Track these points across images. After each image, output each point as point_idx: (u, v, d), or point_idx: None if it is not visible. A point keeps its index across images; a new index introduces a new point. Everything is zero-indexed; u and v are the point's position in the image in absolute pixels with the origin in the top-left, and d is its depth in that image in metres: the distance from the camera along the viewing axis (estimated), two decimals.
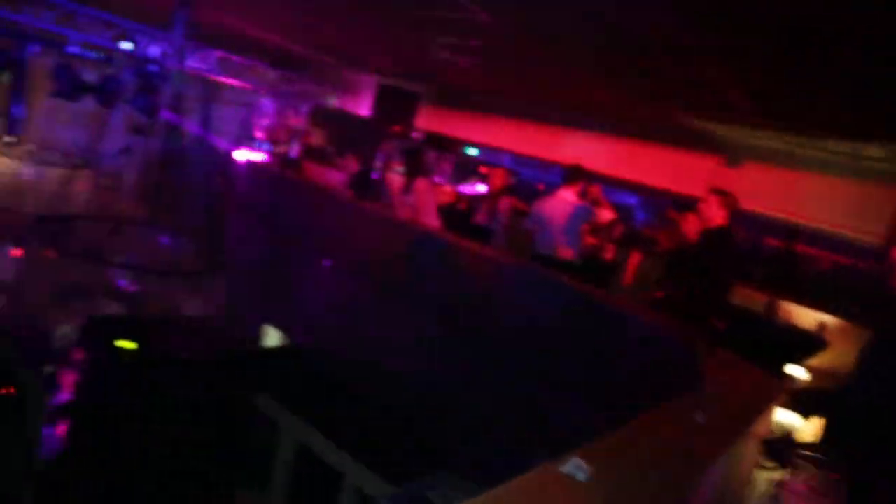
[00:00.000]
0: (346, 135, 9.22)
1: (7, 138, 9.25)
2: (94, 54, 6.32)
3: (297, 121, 8.70)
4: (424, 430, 4.30)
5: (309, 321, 6.04)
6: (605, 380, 3.40)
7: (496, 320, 4.24)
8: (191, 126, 9.04)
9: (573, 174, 5.09)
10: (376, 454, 3.31)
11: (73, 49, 6.04)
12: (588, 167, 5.38)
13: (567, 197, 5.00)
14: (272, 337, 6.38)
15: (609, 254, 5.79)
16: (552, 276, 4.34)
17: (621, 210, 7.24)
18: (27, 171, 9.05)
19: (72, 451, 3.04)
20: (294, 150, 8.42)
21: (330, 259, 5.84)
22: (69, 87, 6.15)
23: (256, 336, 6.09)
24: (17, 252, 9.03)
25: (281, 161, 8.08)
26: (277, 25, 6.81)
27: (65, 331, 6.84)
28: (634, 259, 6.33)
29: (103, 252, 6.25)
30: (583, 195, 5.13)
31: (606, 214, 5.56)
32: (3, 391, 2.54)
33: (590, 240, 5.25)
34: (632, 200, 9.09)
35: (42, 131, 10.05)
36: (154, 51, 6.79)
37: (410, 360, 4.57)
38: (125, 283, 6.63)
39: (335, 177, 8.03)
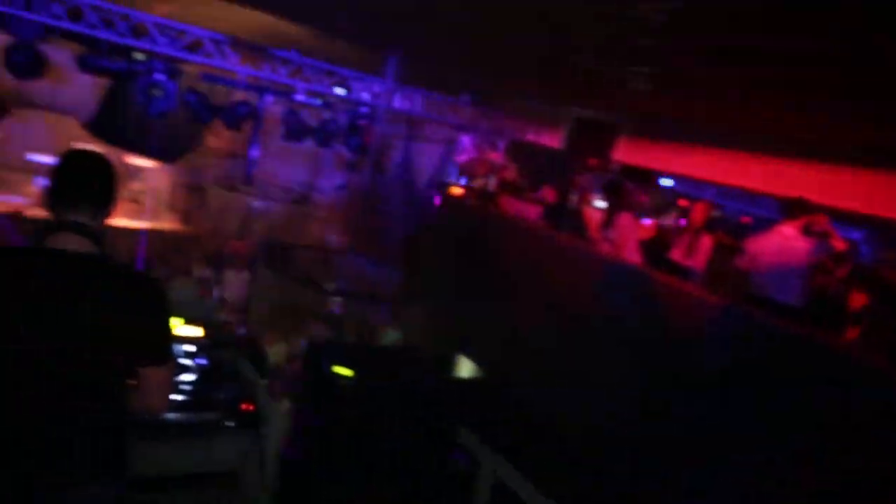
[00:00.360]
0: (541, 168, 9.26)
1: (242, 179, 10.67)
2: (315, 101, 7.02)
3: (495, 155, 8.93)
4: (622, 470, 4.08)
5: (502, 352, 6.07)
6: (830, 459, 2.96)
7: (698, 363, 3.93)
8: (394, 162, 9.67)
9: (795, 208, 4.61)
10: (574, 493, 3.18)
11: (299, 97, 6.75)
12: (808, 198, 4.86)
13: (788, 233, 4.54)
14: (466, 367, 6.51)
15: (842, 295, 5.12)
16: (771, 319, 3.93)
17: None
18: (257, 205, 10.31)
19: (295, 469, 3.31)
20: (491, 183, 8.63)
21: (525, 291, 5.85)
22: (296, 130, 6.90)
23: (452, 366, 6.25)
24: (244, 276, 10.28)
25: (478, 195, 8.33)
26: (478, 67, 7.10)
27: (279, 349, 7.58)
28: (857, 300, 5.55)
29: (316, 277, 6.86)
30: (806, 230, 4.62)
31: (839, 245, 4.92)
32: (245, 407, 2.80)
33: (820, 279, 4.70)
34: (856, 235, 8.05)
35: (270, 171, 11.39)
36: (365, 95, 7.37)
37: (606, 398, 4.38)
38: (334, 306, 7.21)
39: (530, 210, 8.08)
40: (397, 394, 3.30)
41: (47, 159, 12.92)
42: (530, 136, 9.66)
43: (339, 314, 7.55)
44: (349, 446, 3.18)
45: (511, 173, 9.17)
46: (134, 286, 1.92)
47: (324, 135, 7.09)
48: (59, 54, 6.07)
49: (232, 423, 2.75)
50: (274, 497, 2.81)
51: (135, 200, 14.49)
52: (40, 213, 11.12)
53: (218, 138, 12.83)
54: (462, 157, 8.63)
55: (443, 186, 9.40)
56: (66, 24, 5.78)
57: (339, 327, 7.59)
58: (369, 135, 7.49)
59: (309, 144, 7.61)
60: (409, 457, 3.15)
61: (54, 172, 1.93)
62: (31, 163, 12.73)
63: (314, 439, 3.39)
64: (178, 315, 3.40)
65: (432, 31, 5.59)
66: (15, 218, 10.56)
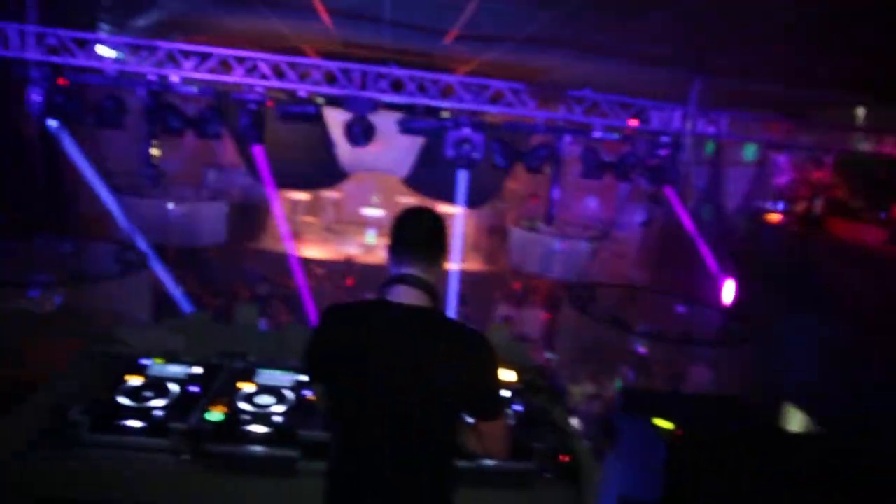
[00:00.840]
0: (881, 184, 7.77)
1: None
2: (612, 135, 6.87)
3: (820, 174, 7.75)
4: None
5: (840, 403, 5.10)
6: None
7: None
8: (698, 190, 8.99)
9: None
10: None
11: (596, 133, 6.67)
12: None
13: None
14: (795, 419, 5.63)
15: None
16: None
17: None
18: (558, 244, 10.48)
19: None
20: (816, 206, 7.50)
21: (874, 327, 4.85)
22: (594, 167, 6.82)
23: (777, 416, 5.43)
24: (545, 315, 10.45)
25: (801, 219, 7.30)
26: (799, 78, 6.25)
27: (579, 389, 7.43)
28: None
29: (622, 317, 6.60)
30: None
31: None
32: (563, 458, 2.70)
33: None
34: None
35: (569, 209, 11.52)
36: (663, 123, 7.00)
37: None
38: (641, 348, 6.86)
39: (871, 233, 6.79)
40: (722, 447, 2.89)
41: (377, 213, 14.98)
42: (866, 148, 8.18)
43: (645, 356, 7.16)
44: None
45: (842, 192, 7.87)
46: (465, 342, 1.95)
47: (623, 168, 6.88)
48: (384, 122, 6.93)
49: (549, 475, 2.65)
50: None
51: None
52: (369, 259, 12.85)
53: (517, 181, 13.48)
54: (779, 179, 7.64)
55: (756, 213, 8.44)
56: (389, 97, 6.61)
57: (646, 371, 7.19)
58: (671, 164, 7.07)
59: (607, 180, 7.47)
60: None
61: (392, 230, 2.06)
62: (363, 216, 14.87)
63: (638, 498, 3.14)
64: None
65: (746, 42, 5.07)
66: (347, 262, 12.36)
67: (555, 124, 6.73)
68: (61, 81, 6.28)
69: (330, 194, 14.73)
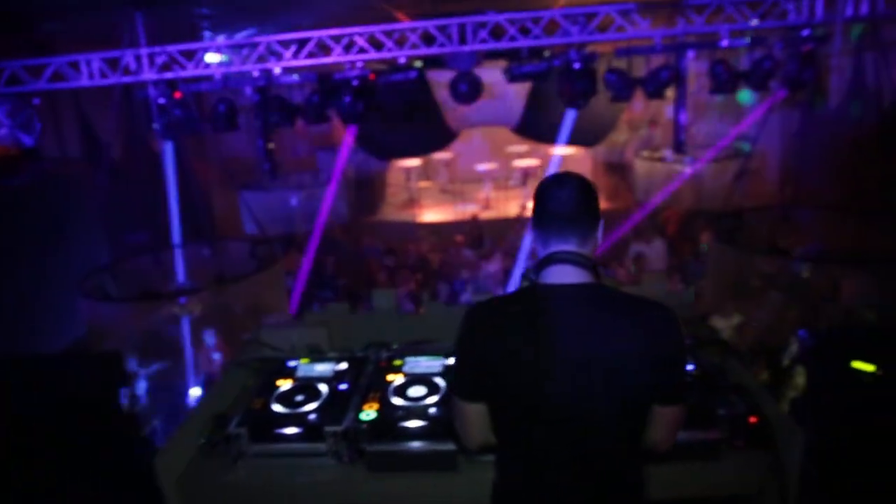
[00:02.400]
0: None
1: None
2: (743, 41, 6.10)
3: None
4: None
5: None
6: None
7: None
8: (839, 87, 7.92)
9: None
10: None
11: (723, 42, 5.95)
12: None
13: None
14: None
15: None
16: None
17: None
18: (688, 171, 9.72)
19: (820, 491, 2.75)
20: None
21: None
22: (726, 81, 6.12)
23: None
24: (682, 247, 9.76)
25: None
26: None
27: (726, 322, 6.85)
28: None
29: (778, 242, 5.95)
30: None
31: None
32: (752, 420, 2.39)
33: None
34: None
35: (693, 132, 10.62)
36: (804, 17, 6.10)
37: None
38: (803, 273, 6.17)
39: None
40: None
41: (490, 167, 14.72)
42: None
43: (806, 280, 6.45)
44: (883, 469, 2.46)
45: None
46: (651, 317, 1.68)
47: (759, 76, 6.11)
48: (489, 74, 6.59)
49: (741, 442, 2.34)
50: None
51: None
52: (489, 214, 12.63)
53: (630, 110, 12.64)
54: None
55: None
56: (492, 45, 6.24)
57: (807, 298, 6.48)
58: (813, 64, 6.19)
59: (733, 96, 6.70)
60: None
61: (535, 203, 1.80)
62: (478, 173, 14.66)
63: (837, 456, 2.75)
64: None
65: None
66: (472, 220, 12.21)
67: (675, 41, 6.06)
68: (177, 95, 6.51)
69: (441, 156, 14.63)
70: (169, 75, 6.36)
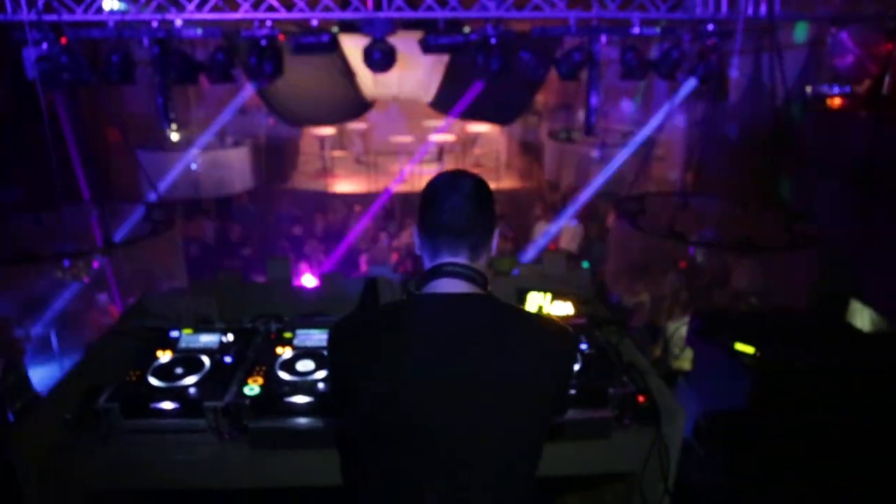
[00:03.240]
0: None
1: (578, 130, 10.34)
2: (653, 30, 6.24)
3: (890, 45, 6.97)
4: None
5: None
6: None
7: None
8: (738, 83, 8.29)
9: None
10: None
11: (635, 30, 6.07)
12: None
13: None
14: (863, 316, 5.23)
15: None
16: None
17: None
18: (597, 153, 9.95)
19: (700, 469, 2.88)
20: (887, 84, 6.78)
21: None
22: (635, 67, 6.25)
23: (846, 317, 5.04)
24: (580, 229, 10.03)
25: (868, 102, 6.61)
26: None
27: (644, 300, 7.14)
28: None
29: (678, 228, 6.19)
30: None
31: None
32: (641, 399, 2.45)
33: None
34: None
35: (604, 115, 10.84)
36: (710, 12, 6.32)
37: None
38: (698, 257, 6.48)
39: None
40: (807, 371, 2.59)
41: (406, 139, 14.55)
42: None
43: (701, 266, 6.79)
44: (775, 442, 2.61)
45: None
46: (544, 333, 1.53)
47: (668, 66, 6.29)
48: (404, 43, 6.43)
49: (628, 421, 2.39)
50: (676, 500, 2.41)
51: (478, 164, 15.49)
52: (403, 188, 12.50)
53: (548, 92, 12.79)
54: (843, 60, 6.91)
55: (812, 101, 7.74)
56: (408, 13, 6.08)
57: (700, 282, 6.83)
58: (718, 57, 6.43)
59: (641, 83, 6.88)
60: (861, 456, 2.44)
61: (421, 207, 1.58)
62: (394, 145, 14.48)
63: (720, 435, 2.89)
64: (546, 290, 3.19)
65: None
66: (392, 195, 12.06)
67: (589, 24, 6.13)
68: (63, 40, 5.97)
69: (356, 126, 14.35)
70: (51, 17, 5.80)
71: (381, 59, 6.21)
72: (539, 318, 1.60)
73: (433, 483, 1.45)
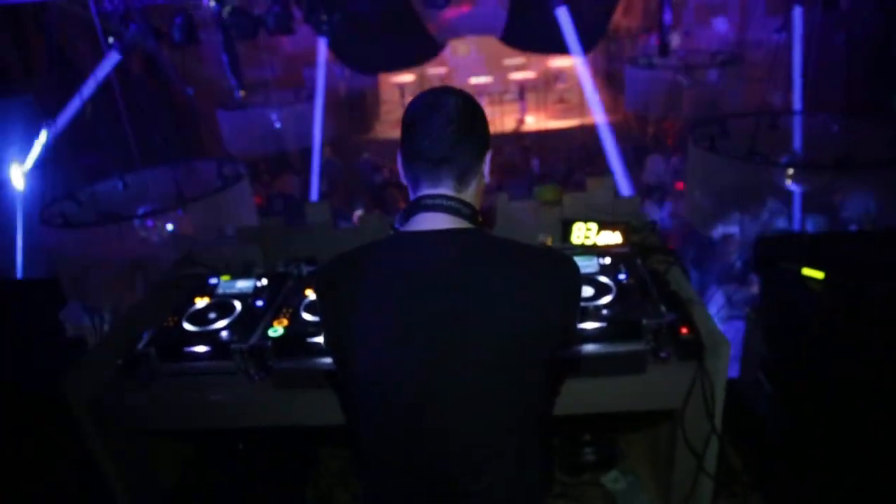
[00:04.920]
0: None
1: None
2: None
3: None
4: None
5: None
6: None
7: None
8: None
9: None
10: None
11: None
12: None
13: None
14: None
15: None
16: None
17: None
18: (682, 78, 9.23)
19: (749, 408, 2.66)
20: None
21: None
22: None
23: None
24: (674, 160, 9.44)
25: None
26: None
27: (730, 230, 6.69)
28: None
29: (763, 149, 5.65)
30: None
31: None
32: (683, 331, 2.28)
33: None
34: None
35: (690, 36, 10.05)
36: None
37: None
38: (789, 182, 5.93)
39: None
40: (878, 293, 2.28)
41: (486, 80, 14.22)
42: None
43: (797, 191, 6.22)
44: (832, 379, 2.35)
45: None
46: (532, 267, 1.38)
47: None
48: None
49: (666, 354, 2.23)
50: (724, 441, 2.24)
51: (562, 100, 14.93)
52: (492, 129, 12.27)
53: (629, 15, 12.00)
54: None
55: None
56: None
57: (799, 209, 6.28)
58: None
59: None
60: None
61: (402, 132, 1.43)
62: (474, 87, 14.18)
63: (787, 370, 2.65)
64: (592, 220, 3.01)
65: None
66: None
67: None
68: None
69: (436, 70, 14.17)
70: None
71: None
72: (530, 250, 1.44)
73: (422, 441, 1.36)
